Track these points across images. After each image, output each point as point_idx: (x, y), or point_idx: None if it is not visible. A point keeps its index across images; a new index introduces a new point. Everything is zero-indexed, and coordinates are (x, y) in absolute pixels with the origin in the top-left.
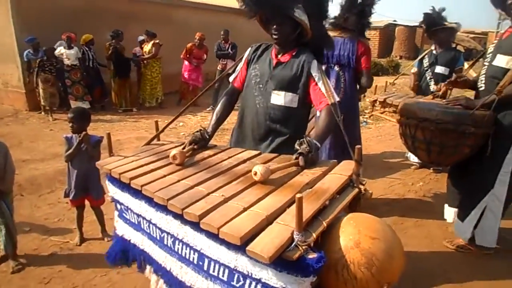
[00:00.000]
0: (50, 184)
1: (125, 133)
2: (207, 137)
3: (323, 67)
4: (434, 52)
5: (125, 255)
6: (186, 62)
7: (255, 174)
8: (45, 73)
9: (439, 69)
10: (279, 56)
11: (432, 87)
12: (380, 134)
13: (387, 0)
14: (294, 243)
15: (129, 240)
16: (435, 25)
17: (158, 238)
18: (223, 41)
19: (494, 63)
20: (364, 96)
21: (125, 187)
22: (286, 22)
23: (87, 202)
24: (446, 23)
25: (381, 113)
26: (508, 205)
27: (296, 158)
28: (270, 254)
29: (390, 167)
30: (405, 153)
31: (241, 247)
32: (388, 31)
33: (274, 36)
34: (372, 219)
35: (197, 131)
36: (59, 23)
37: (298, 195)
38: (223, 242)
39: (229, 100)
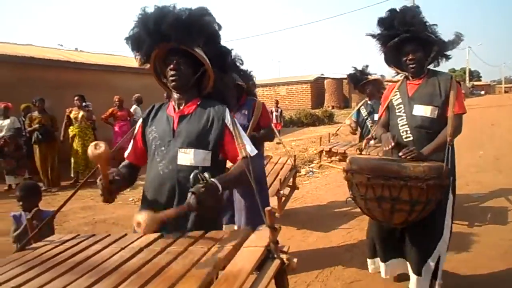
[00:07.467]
0: None
1: (70, 203)
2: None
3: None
4: (369, 102)
5: None
6: (116, 128)
7: (138, 225)
8: None
9: (377, 117)
10: (182, 107)
11: None
12: (328, 182)
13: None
14: None
15: None
16: (359, 81)
17: None
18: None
19: (415, 113)
20: None
21: None
22: (187, 61)
23: None
24: (368, 77)
25: (329, 162)
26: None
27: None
28: None
29: (344, 214)
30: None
31: None
32: (317, 84)
33: (172, 78)
34: None
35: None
36: None
37: None
38: None
39: (128, 172)
